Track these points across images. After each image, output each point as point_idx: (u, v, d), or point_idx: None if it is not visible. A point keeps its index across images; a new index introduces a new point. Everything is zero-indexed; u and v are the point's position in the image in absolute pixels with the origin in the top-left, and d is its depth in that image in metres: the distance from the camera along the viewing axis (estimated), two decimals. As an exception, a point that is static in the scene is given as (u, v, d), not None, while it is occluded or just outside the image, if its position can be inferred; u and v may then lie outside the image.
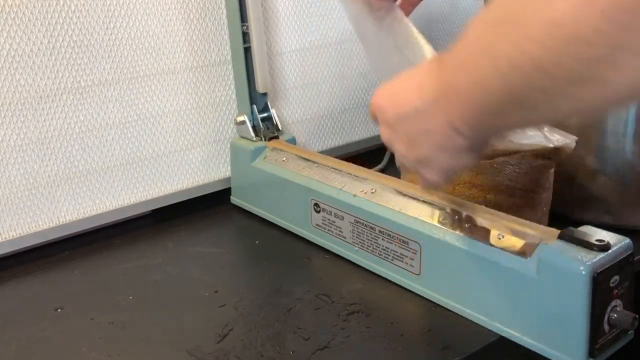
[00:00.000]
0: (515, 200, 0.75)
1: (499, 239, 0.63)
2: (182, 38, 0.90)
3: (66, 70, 0.82)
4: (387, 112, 0.55)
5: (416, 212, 0.71)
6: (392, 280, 0.73)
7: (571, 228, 0.61)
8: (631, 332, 0.60)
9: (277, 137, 0.93)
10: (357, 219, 0.75)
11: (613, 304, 0.58)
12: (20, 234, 0.83)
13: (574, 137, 0.73)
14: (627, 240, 0.60)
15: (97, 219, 0.89)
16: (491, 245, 0.63)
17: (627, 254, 0.59)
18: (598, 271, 0.56)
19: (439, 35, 1.17)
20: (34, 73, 0.80)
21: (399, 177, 0.85)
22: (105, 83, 0.85)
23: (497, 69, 0.42)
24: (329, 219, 0.79)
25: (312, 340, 0.64)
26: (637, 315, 0.59)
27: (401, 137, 0.54)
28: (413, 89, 0.52)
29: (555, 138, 0.74)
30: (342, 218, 0.77)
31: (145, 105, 0.89)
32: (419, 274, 0.70)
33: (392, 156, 1.09)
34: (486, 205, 0.74)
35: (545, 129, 0.73)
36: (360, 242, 0.76)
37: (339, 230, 0.78)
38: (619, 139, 0.77)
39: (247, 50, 0.90)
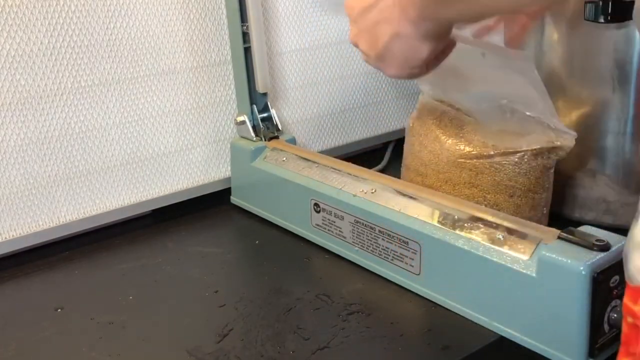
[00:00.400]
0: (515, 200, 0.75)
1: (499, 239, 0.64)
2: (182, 38, 0.90)
3: (66, 70, 0.82)
4: (354, 9, 0.60)
5: (416, 212, 0.71)
6: (392, 280, 0.73)
7: (571, 228, 0.61)
8: (631, 332, 0.60)
9: (277, 137, 0.93)
10: (357, 219, 0.75)
11: (613, 304, 0.58)
12: (20, 234, 0.83)
13: (574, 134, 0.73)
14: (627, 240, 0.60)
15: (97, 219, 0.89)
16: (491, 245, 0.63)
17: (627, 254, 0.59)
18: (598, 271, 0.56)
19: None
20: (34, 73, 0.80)
21: (399, 177, 0.85)
22: (105, 83, 0.85)
23: None
24: (329, 219, 0.79)
25: (312, 340, 0.64)
26: (637, 315, 0.59)
27: (364, 34, 0.59)
28: None
29: (555, 136, 0.74)
30: (342, 218, 0.77)
31: (145, 105, 0.89)
32: (418, 274, 0.70)
33: (392, 156, 1.09)
34: (486, 205, 0.75)
35: (545, 124, 0.73)
36: (360, 242, 0.76)
37: (339, 230, 0.78)
38: (619, 139, 0.77)
39: (247, 50, 0.90)
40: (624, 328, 0.46)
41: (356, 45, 0.62)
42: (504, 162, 0.74)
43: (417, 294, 0.70)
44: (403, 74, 0.61)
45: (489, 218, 0.66)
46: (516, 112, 0.75)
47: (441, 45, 0.57)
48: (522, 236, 0.63)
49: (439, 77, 0.78)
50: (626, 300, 0.45)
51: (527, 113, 0.74)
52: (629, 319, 0.45)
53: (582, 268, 0.56)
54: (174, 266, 0.81)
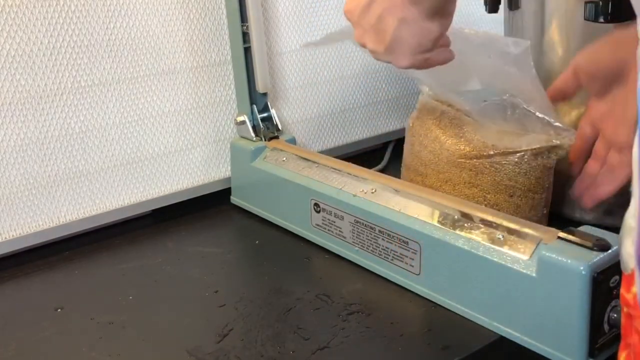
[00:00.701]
0: (515, 200, 0.75)
1: (499, 239, 0.64)
2: (182, 38, 0.90)
3: (66, 70, 0.82)
4: (354, 11, 0.60)
5: (416, 212, 0.71)
6: (392, 280, 0.73)
7: (571, 228, 0.61)
8: (631, 332, 0.60)
9: (277, 137, 0.93)
10: (357, 219, 0.75)
11: (613, 303, 0.58)
12: (20, 234, 0.83)
13: (574, 132, 0.73)
14: (627, 240, 0.60)
15: (97, 219, 0.89)
16: (491, 245, 0.63)
17: (627, 254, 0.59)
18: (598, 271, 0.56)
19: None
20: (34, 73, 0.80)
21: (399, 177, 0.85)
22: (105, 83, 0.85)
23: None
24: (329, 219, 0.79)
25: (312, 340, 0.64)
26: (637, 315, 0.59)
27: (369, 31, 0.60)
28: None
29: (555, 134, 0.73)
30: (342, 218, 0.77)
31: (145, 105, 0.89)
32: (418, 274, 0.70)
33: (392, 156, 1.09)
34: (486, 205, 0.75)
35: (546, 121, 0.73)
36: (360, 242, 0.76)
37: (339, 230, 0.78)
38: (619, 139, 0.77)
39: (247, 50, 0.90)
40: (622, 320, 0.46)
41: (364, 45, 0.62)
42: (504, 162, 0.74)
43: (417, 294, 0.70)
44: (415, 62, 0.61)
45: (489, 218, 0.66)
46: (517, 108, 0.75)
47: (449, 21, 0.58)
48: (522, 236, 0.63)
49: (439, 75, 0.78)
50: (622, 290, 0.45)
51: (528, 108, 0.74)
52: (625, 309, 0.45)
53: (582, 268, 0.56)
54: (174, 266, 0.81)
